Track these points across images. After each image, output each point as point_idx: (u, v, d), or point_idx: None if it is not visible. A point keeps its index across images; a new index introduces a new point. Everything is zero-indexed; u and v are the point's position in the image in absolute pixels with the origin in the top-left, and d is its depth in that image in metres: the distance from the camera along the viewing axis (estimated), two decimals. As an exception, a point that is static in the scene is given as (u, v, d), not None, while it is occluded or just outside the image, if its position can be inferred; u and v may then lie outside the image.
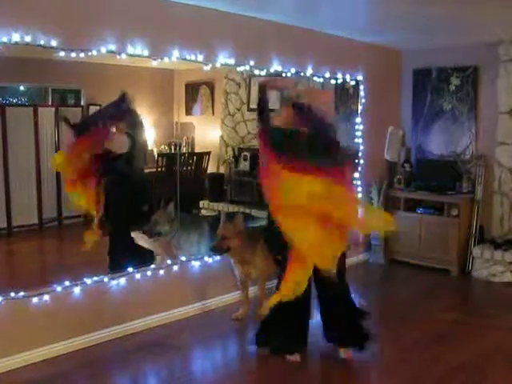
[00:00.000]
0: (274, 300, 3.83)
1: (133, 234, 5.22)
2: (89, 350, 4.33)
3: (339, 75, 6.29)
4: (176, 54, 4.67)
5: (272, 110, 4.37)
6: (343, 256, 4.05)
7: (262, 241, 4.96)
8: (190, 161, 7.59)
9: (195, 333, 4.75)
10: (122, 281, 4.57)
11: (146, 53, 4.46)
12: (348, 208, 3.68)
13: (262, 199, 4.21)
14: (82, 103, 6.62)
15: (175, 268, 4.97)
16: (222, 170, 7.85)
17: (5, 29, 3.67)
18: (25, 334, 4.03)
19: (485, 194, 6.69)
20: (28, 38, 3.77)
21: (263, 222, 6.00)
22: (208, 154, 7.76)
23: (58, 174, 5.92)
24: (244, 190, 7.42)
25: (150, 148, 7.70)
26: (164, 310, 4.91)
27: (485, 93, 6.75)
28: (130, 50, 4.37)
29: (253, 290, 5.22)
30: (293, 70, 5.69)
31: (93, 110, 6.58)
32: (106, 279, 4.46)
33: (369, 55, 6.72)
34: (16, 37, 3.72)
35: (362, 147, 6.68)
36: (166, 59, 4.64)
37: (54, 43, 3.90)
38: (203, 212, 7.44)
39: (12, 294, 3.95)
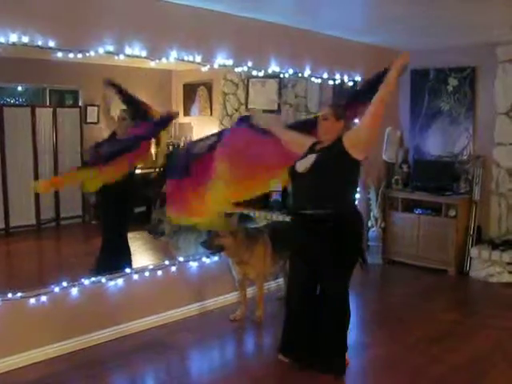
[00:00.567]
0: None
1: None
2: (86, 350, 4.32)
3: (337, 76, 6.29)
4: (174, 54, 4.67)
5: None
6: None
7: (260, 241, 4.96)
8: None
9: (193, 333, 4.74)
10: (120, 281, 4.57)
11: (144, 53, 4.46)
12: None
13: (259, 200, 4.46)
14: (80, 104, 6.63)
15: (173, 269, 4.97)
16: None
17: (2, 29, 3.66)
18: (22, 335, 4.02)
19: (482, 195, 6.70)
20: (26, 39, 3.77)
21: (262, 223, 6.03)
22: (206, 154, 7.74)
23: (55, 174, 5.92)
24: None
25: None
26: (162, 311, 4.91)
27: (482, 93, 6.76)
28: (128, 50, 4.36)
29: (251, 291, 5.22)
30: (291, 71, 5.69)
31: (91, 110, 6.59)
32: (103, 280, 4.46)
33: (367, 56, 6.72)
34: (14, 37, 3.71)
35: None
36: (164, 60, 4.63)
37: (51, 44, 3.89)
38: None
39: (9, 295, 3.94)
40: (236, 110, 7.76)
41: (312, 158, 3.84)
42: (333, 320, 3.96)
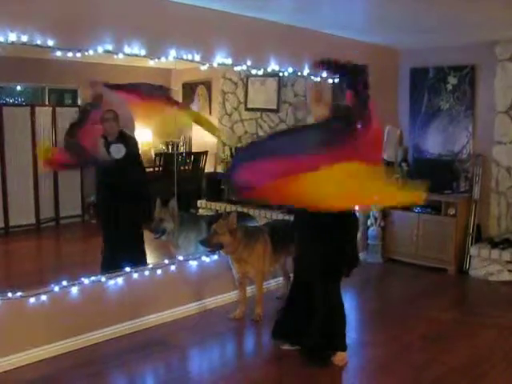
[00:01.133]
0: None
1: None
2: (86, 349, 4.32)
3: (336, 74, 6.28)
4: (173, 53, 4.67)
5: None
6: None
7: (259, 240, 4.96)
8: (188, 160, 7.60)
9: (193, 332, 4.75)
10: (120, 280, 4.57)
11: (143, 52, 4.46)
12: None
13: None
14: (79, 103, 6.61)
15: (172, 268, 4.97)
16: (219, 169, 7.85)
17: (1, 28, 3.66)
18: (22, 334, 4.02)
19: (482, 194, 6.70)
20: (25, 38, 3.77)
21: (262, 221, 6.03)
22: (205, 153, 7.76)
23: (55, 174, 5.92)
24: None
25: (146, 147, 7.69)
26: (161, 310, 4.91)
27: (482, 92, 6.76)
28: (127, 49, 4.36)
29: (250, 290, 5.22)
30: (290, 70, 5.68)
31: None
32: (103, 279, 4.45)
33: (366, 54, 6.69)
34: (13, 36, 3.71)
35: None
36: (163, 59, 4.63)
37: (50, 43, 3.89)
38: (201, 211, 7.44)
39: (9, 294, 3.94)
40: (235, 109, 7.76)
41: None
42: (323, 316, 4.09)
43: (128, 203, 5.08)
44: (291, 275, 5.55)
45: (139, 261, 4.97)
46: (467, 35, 6.19)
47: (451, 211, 6.61)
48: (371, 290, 6.22)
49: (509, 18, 5.17)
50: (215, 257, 5.18)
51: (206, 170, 7.77)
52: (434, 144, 7.17)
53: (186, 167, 7.52)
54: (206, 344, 4.53)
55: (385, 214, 7.04)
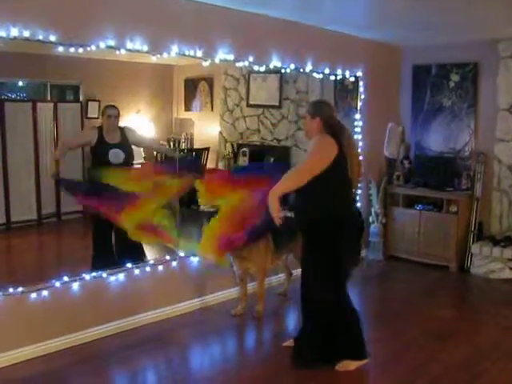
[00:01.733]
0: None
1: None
2: (88, 345, 4.33)
3: (339, 71, 6.28)
4: (175, 49, 4.66)
5: None
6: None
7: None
8: (189, 157, 7.58)
9: (194, 329, 4.75)
10: (121, 276, 4.57)
11: (145, 48, 4.45)
12: None
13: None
14: (81, 99, 6.61)
15: (174, 264, 4.97)
16: (221, 165, 7.84)
17: (3, 23, 3.65)
18: (23, 330, 4.03)
19: (484, 191, 6.69)
20: (27, 33, 3.76)
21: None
22: (207, 149, 7.75)
23: (57, 170, 5.91)
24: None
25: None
26: (163, 306, 4.91)
27: (484, 89, 6.74)
28: (129, 45, 4.35)
29: (251, 286, 5.22)
30: (292, 66, 5.68)
31: (91, 105, 6.58)
32: (104, 275, 4.46)
33: (368, 51, 6.71)
34: (15, 31, 3.70)
35: (361, 143, 6.66)
36: (165, 55, 4.62)
37: (52, 38, 3.88)
38: (202, 208, 7.44)
39: (11, 290, 3.94)
40: (237, 106, 7.75)
41: None
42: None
43: None
44: (293, 272, 5.57)
45: (137, 257, 4.92)
46: (470, 32, 6.17)
47: (453, 209, 6.60)
48: (372, 287, 6.22)
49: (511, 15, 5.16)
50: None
51: (207, 167, 7.76)
52: (435, 141, 7.16)
53: (188, 163, 7.51)
54: (207, 340, 4.54)
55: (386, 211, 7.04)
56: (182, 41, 4.70)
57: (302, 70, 5.88)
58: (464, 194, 6.68)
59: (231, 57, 5.10)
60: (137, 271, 4.67)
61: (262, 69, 5.51)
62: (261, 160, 7.32)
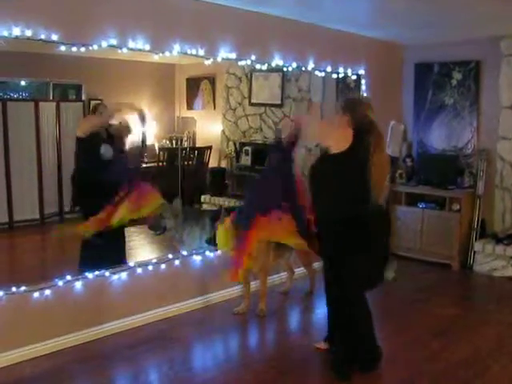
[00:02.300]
0: None
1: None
2: (90, 344, 4.33)
3: (341, 69, 6.28)
4: (177, 48, 4.66)
5: None
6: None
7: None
8: (192, 155, 7.61)
9: (197, 327, 4.75)
10: (124, 275, 4.57)
11: (147, 47, 4.45)
12: None
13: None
14: (83, 98, 6.62)
15: (176, 262, 4.97)
16: (223, 164, 7.86)
17: (5, 23, 3.66)
18: (26, 329, 4.03)
19: (486, 189, 6.68)
20: (29, 33, 3.76)
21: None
22: (209, 148, 7.76)
23: (59, 169, 5.92)
24: (246, 185, 7.43)
25: (150, 142, 7.70)
26: (165, 305, 4.91)
27: (487, 87, 6.73)
28: (131, 44, 4.35)
29: (254, 285, 5.22)
30: (294, 65, 5.67)
31: (94, 104, 6.58)
32: (107, 274, 4.46)
33: (370, 49, 6.70)
34: (17, 31, 3.70)
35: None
36: (167, 53, 4.62)
37: (54, 37, 3.88)
38: (205, 206, 7.45)
39: (13, 289, 3.95)
40: (239, 104, 7.75)
41: None
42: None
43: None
44: (295, 270, 5.57)
45: (119, 260, 4.85)
46: (472, 30, 6.16)
47: (455, 206, 6.60)
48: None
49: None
50: (219, 252, 5.17)
51: (210, 165, 7.77)
52: (438, 139, 7.15)
53: (190, 162, 7.52)
54: (210, 339, 4.54)
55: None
56: (184, 40, 4.70)
57: (303, 69, 5.87)
58: (466, 191, 6.67)
59: (233, 55, 5.10)
60: (139, 270, 4.68)
61: (264, 67, 5.51)
62: (263, 158, 7.33)
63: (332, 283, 3.94)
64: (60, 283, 4.18)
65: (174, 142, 7.71)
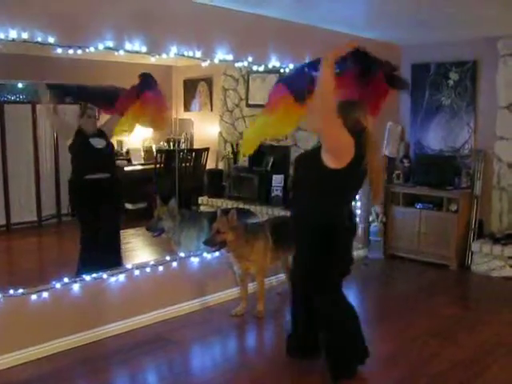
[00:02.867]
0: None
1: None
2: (88, 346, 4.33)
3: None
4: (174, 50, 4.66)
5: None
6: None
7: (260, 237, 4.96)
8: (189, 157, 7.61)
9: (194, 329, 4.75)
10: (121, 277, 4.57)
11: (144, 49, 4.45)
12: None
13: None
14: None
15: (174, 264, 4.97)
16: (220, 166, 7.86)
17: (2, 25, 3.66)
18: (24, 331, 4.02)
19: (484, 189, 6.69)
20: (25, 35, 3.76)
21: (263, 218, 6.03)
22: (207, 150, 7.77)
23: (56, 171, 5.93)
24: (243, 186, 7.45)
25: (148, 144, 7.71)
26: (163, 307, 4.91)
27: (484, 87, 6.74)
28: (128, 46, 4.35)
29: (252, 286, 5.22)
30: (291, 66, 5.68)
31: (91, 106, 6.58)
32: (105, 276, 4.46)
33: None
34: (13, 33, 3.71)
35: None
36: (164, 55, 4.63)
37: (51, 40, 3.88)
38: (202, 208, 7.46)
39: (11, 291, 3.95)
40: (236, 106, 7.76)
41: None
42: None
43: (106, 202, 5.07)
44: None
45: (115, 262, 4.88)
46: (469, 30, 6.17)
47: (453, 207, 6.61)
48: (373, 285, 6.22)
49: (511, 12, 5.15)
50: (216, 254, 5.17)
51: (207, 167, 7.78)
52: (435, 140, 7.16)
53: (188, 164, 7.53)
54: (208, 341, 4.54)
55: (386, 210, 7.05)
56: (181, 41, 4.70)
57: (300, 70, 5.87)
58: (464, 192, 6.68)
59: (230, 57, 5.10)
60: (137, 272, 4.68)
61: (261, 69, 5.51)
62: (260, 160, 7.34)
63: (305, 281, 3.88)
64: (58, 285, 4.18)
65: (171, 143, 7.72)
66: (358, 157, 3.53)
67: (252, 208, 6.56)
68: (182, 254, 5.09)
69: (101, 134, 5.15)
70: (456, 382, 3.84)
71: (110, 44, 4.23)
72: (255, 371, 4.01)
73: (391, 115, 7.28)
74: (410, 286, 6.06)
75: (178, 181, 5.66)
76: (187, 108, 8.07)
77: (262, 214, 6.63)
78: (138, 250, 5.86)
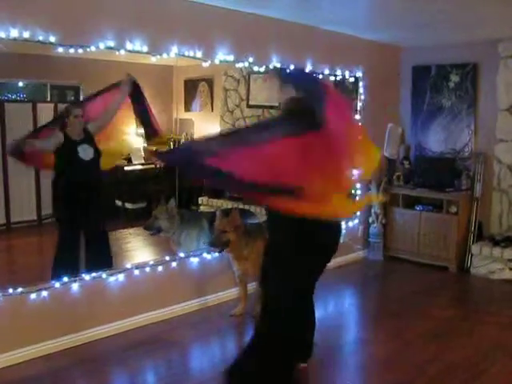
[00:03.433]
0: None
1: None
2: (87, 346, 4.33)
3: (338, 72, 6.29)
4: (175, 50, 4.67)
5: None
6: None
7: (260, 237, 4.95)
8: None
9: (193, 329, 4.75)
10: (121, 277, 4.57)
11: (145, 49, 4.46)
12: None
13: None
14: (81, 100, 6.61)
15: (174, 264, 4.97)
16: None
17: (3, 24, 3.66)
18: (23, 330, 4.03)
19: (484, 191, 6.69)
20: (26, 34, 3.77)
21: (263, 218, 6.02)
22: (207, 150, 7.73)
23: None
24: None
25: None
26: (162, 307, 4.91)
27: (484, 90, 6.75)
28: (129, 46, 4.36)
29: (251, 287, 5.22)
30: (292, 67, 5.68)
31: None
32: (104, 275, 4.46)
33: (368, 52, 6.71)
34: (14, 32, 3.71)
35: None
36: (164, 55, 4.63)
37: (52, 39, 3.89)
38: (202, 208, 7.45)
39: (10, 290, 3.95)
40: (237, 106, 7.75)
41: None
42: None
43: (91, 202, 4.94)
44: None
45: (103, 264, 4.72)
46: (470, 33, 6.17)
47: (453, 209, 6.61)
48: (372, 287, 6.22)
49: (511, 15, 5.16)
50: (216, 254, 5.17)
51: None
52: (435, 142, 7.17)
53: (188, 164, 7.51)
54: (207, 341, 4.54)
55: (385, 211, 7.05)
56: (182, 41, 4.71)
57: (301, 71, 5.88)
58: (464, 194, 6.68)
59: (231, 57, 5.11)
60: (136, 272, 4.68)
61: (262, 69, 5.52)
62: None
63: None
64: (57, 285, 4.18)
65: (171, 143, 7.71)
66: None
67: (251, 208, 6.55)
68: (181, 254, 5.09)
69: (88, 137, 4.91)
70: (455, 384, 3.85)
71: (111, 43, 4.24)
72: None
73: (392, 117, 7.29)
74: (409, 288, 6.05)
75: (177, 181, 5.65)
76: (188, 108, 8.06)
77: (262, 214, 6.62)
78: (138, 249, 5.85)
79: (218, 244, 4.74)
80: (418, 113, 7.30)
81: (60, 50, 4.00)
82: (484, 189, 6.70)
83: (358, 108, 6.67)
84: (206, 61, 4.94)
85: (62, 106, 6.24)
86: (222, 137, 3.40)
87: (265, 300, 3.61)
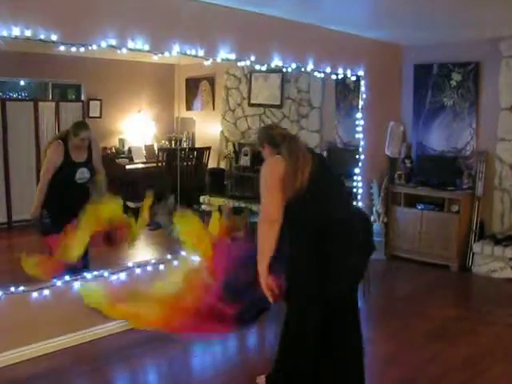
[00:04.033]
0: None
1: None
2: (89, 344, 4.33)
3: (340, 70, 6.27)
4: (176, 48, 4.65)
5: None
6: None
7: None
8: (191, 156, 7.62)
9: (195, 328, 4.74)
10: (122, 276, 4.57)
11: (146, 47, 4.45)
12: None
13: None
14: (83, 98, 6.63)
15: (175, 263, 4.97)
16: (222, 165, 7.86)
17: (5, 23, 3.66)
18: (24, 329, 4.03)
19: (485, 190, 6.68)
20: (28, 33, 3.76)
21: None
22: (208, 149, 7.77)
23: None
24: (244, 185, 7.44)
25: (150, 143, 7.71)
26: (164, 305, 4.90)
27: (486, 89, 6.73)
28: (131, 44, 4.35)
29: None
30: (293, 66, 5.67)
31: (93, 104, 6.60)
32: (106, 274, 4.46)
33: (370, 50, 6.70)
34: (16, 31, 3.70)
35: (362, 142, 6.65)
36: (166, 54, 4.62)
37: (54, 38, 3.88)
38: (203, 207, 7.45)
39: (12, 289, 3.95)
40: (238, 105, 7.76)
41: None
42: None
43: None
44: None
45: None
46: (472, 31, 6.17)
47: (454, 208, 6.60)
48: (373, 286, 6.21)
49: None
50: (218, 252, 5.17)
51: (209, 166, 7.78)
52: (437, 141, 7.15)
53: (189, 162, 7.53)
54: (209, 340, 4.53)
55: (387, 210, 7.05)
56: (184, 40, 4.69)
57: (303, 70, 5.87)
58: (465, 193, 6.67)
59: (233, 56, 5.10)
60: (138, 270, 4.67)
61: (264, 68, 5.51)
62: (262, 159, 7.33)
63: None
64: (58, 283, 4.18)
65: (173, 142, 7.72)
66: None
67: (254, 207, 6.54)
68: (183, 253, 5.08)
69: (89, 162, 4.85)
70: (456, 383, 3.84)
71: (113, 42, 4.23)
72: (255, 371, 4.00)
73: (393, 115, 7.28)
74: (410, 287, 6.05)
75: (179, 179, 5.66)
76: (189, 107, 8.07)
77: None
78: (139, 248, 5.85)
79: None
80: (420, 111, 7.29)
81: (62, 48, 3.98)
82: (485, 187, 6.69)
83: (360, 107, 6.66)
84: (207, 59, 4.93)
85: (63, 105, 6.25)
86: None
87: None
